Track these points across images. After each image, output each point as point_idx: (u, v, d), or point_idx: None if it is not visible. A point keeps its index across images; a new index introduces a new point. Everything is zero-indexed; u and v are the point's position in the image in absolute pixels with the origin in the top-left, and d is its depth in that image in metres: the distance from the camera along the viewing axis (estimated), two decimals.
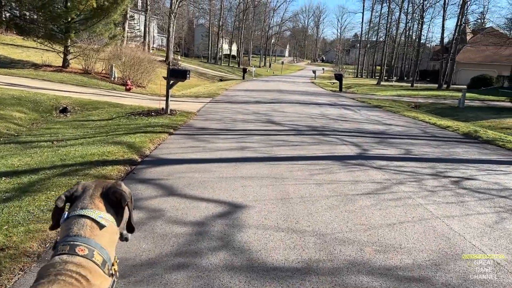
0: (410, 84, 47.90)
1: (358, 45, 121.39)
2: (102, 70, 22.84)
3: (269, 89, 26.33)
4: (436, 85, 45.80)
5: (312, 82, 45.82)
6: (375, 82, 55.45)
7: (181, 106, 13.72)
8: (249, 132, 9.04)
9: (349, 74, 77.65)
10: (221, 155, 6.62)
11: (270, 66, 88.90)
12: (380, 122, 11.72)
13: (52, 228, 1.30)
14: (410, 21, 63.46)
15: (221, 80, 42.19)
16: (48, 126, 10.32)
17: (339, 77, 28.61)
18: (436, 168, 6.26)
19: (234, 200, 4.42)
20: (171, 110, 11.76)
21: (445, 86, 42.90)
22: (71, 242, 1.15)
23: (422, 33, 71.13)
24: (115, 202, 1.30)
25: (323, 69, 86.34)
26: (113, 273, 1.22)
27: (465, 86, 43.33)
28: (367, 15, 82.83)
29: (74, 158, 6.07)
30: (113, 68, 22.05)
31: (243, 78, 42.32)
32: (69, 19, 21.26)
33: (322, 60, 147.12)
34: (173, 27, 44.80)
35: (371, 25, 72.37)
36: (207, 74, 47.09)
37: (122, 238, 1.37)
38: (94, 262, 1.14)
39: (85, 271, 1.09)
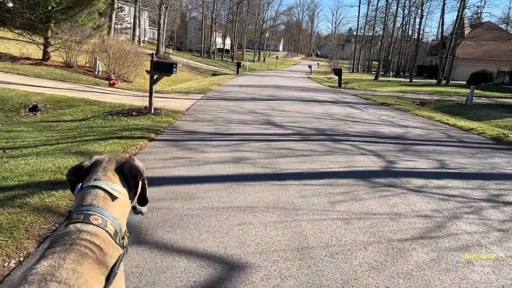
0: (408, 80, 46.62)
1: (353, 39, 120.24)
2: (86, 63, 21.22)
3: (265, 85, 24.85)
4: (434, 81, 44.65)
5: (309, 77, 44.41)
6: (372, 77, 54.18)
7: (168, 103, 12.23)
8: (246, 137, 7.58)
9: (344, 69, 76.25)
10: (211, 170, 5.17)
11: (264, 61, 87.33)
12: (394, 123, 10.32)
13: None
14: (407, 15, 62.12)
15: (214, 75, 40.60)
16: (10, 128, 8.79)
17: (338, 73, 27.22)
18: (488, 189, 4.86)
19: (229, 252, 2.98)
20: (155, 109, 10.27)
21: (444, 81, 41.69)
22: (85, 211, 1.18)
23: (417, 27, 70.02)
24: (127, 176, 1.33)
25: (318, 64, 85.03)
26: (124, 245, 1.24)
27: (465, 82, 42.24)
28: (363, 8, 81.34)
29: (20, 176, 4.59)
30: (97, 61, 20.45)
31: (237, 72, 40.78)
32: (50, 8, 19.60)
33: (317, 55, 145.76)
34: (164, 19, 43.05)
35: (368, 19, 71.02)
36: (200, 69, 45.46)
37: (137, 211, 1.42)
38: (107, 231, 1.16)
39: (99, 240, 1.12)
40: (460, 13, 40.37)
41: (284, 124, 9.29)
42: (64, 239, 1.09)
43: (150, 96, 9.73)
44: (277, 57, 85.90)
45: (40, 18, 19.69)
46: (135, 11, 39.58)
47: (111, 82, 17.13)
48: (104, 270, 1.08)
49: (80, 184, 1.28)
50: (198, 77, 36.53)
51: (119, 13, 45.24)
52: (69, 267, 1.00)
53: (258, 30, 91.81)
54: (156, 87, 21.42)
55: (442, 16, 42.17)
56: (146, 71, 9.98)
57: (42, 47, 20.60)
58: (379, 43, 74.53)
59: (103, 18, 21.28)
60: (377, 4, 65.92)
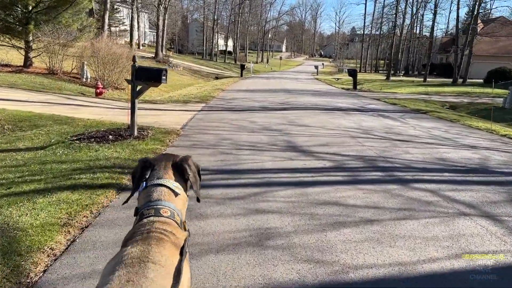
0: (422, 79, 44.01)
1: (357, 38, 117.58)
2: (72, 69, 18.85)
3: (273, 89, 22.38)
4: (449, 79, 42.10)
5: (316, 79, 41.92)
6: (382, 77, 51.67)
7: (160, 118, 9.82)
8: (266, 177, 5.12)
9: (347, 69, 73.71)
10: (214, 274, 2.72)
11: (267, 62, 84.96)
12: (456, 143, 7.83)
13: (127, 201, 1.58)
14: (417, 11, 59.49)
15: (217, 78, 38.20)
16: None
17: (353, 73, 24.71)
18: None
19: None
20: (141, 129, 7.85)
21: (460, 80, 39.11)
22: (155, 206, 1.36)
23: (426, 24, 67.37)
24: (183, 173, 1.50)
25: (322, 64, 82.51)
26: (187, 229, 1.44)
27: (481, 80, 39.72)
28: (370, 6, 78.61)
29: None
30: (85, 66, 18.08)
31: (241, 75, 38.34)
32: (30, 8, 17.26)
33: (320, 55, 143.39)
34: (163, 21, 40.73)
35: (375, 16, 68.45)
36: (202, 72, 43.07)
37: (198, 200, 1.59)
38: (175, 221, 1.36)
39: (171, 228, 1.31)
40: (477, 7, 37.79)
41: (313, 149, 6.82)
42: (141, 230, 1.26)
43: (132, 114, 7.30)
44: (280, 58, 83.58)
45: (19, 19, 17.37)
46: (132, 12, 37.27)
47: (98, 91, 14.73)
48: (179, 250, 1.27)
49: (144, 183, 1.44)
50: (200, 81, 34.12)
51: (115, 15, 42.99)
52: (156, 250, 1.18)
53: (260, 31, 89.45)
54: (152, 94, 18.93)
55: (457, 11, 39.47)
56: (126, 80, 7.56)
57: (23, 52, 18.28)
58: (389, 41, 71.99)
59: (91, 18, 18.97)
60: (384, 1, 63.37)
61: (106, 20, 25.91)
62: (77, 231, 3.47)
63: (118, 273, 1.07)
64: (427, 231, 3.53)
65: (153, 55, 37.73)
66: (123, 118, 9.45)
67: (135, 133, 7.29)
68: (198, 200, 1.59)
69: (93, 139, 7.00)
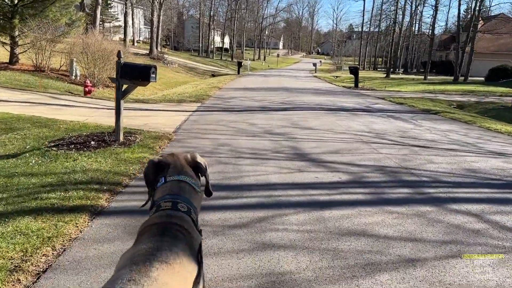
0: (422, 77, 43.30)
1: (354, 36, 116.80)
2: (61, 66, 17.92)
3: (272, 87, 21.53)
4: (450, 77, 41.44)
5: (315, 76, 41.14)
6: (381, 74, 50.98)
7: (151, 120, 8.98)
8: (272, 195, 4.29)
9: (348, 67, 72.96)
10: None
11: (264, 59, 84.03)
12: (480, 149, 7.02)
13: (144, 204, 1.48)
14: (416, 8, 58.72)
15: (213, 76, 37.31)
16: None
17: (354, 71, 23.89)
18: None
19: None
20: (128, 133, 7.02)
21: (461, 78, 38.41)
22: (173, 200, 1.32)
23: (425, 21, 66.61)
24: (197, 171, 1.51)
25: (320, 61, 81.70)
26: (200, 230, 1.38)
27: (482, 78, 39.09)
28: (368, 2, 77.68)
29: None
30: (74, 63, 17.16)
31: (238, 73, 37.46)
32: (15, 1, 16.34)
33: (318, 53, 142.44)
34: (158, 17, 39.76)
35: (374, 12, 67.69)
36: (198, 69, 42.15)
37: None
38: (192, 218, 1.31)
39: (187, 225, 1.25)
40: (479, 3, 37.06)
41: (323, 157, 5.99)
42: (157, 224, 1.22)
43: (117, 117, 6.45)
44: (278, 56, 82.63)
45: (3, 13, 16.42)
46: (125, 8, 36.27)
47: (86, 89, 13.84)
48: (193, 251, 1.21)
49: (163, 178, 1.41)
50: (196, 78, 33.22)
51: (109, 10, 41.99)
52: (167, 248, 1.12)
53: (257, 28, 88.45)
54: (145, 92, 18.02)
55: (458, 7, 38.74)
56: (110, 78, 6.73)
57: (9, 48, 17.34)
58: (387, 38, 71.24)
59: (81, 13, 18.04)
60: None
61: (98, 15, 24.97)
62: (30, 279, 2.63)
63: (122, 271, 1.04)
64: (487, 278, 2.71)
65: (148, 52, 36.77)
66: (110, 120, 8.58)
67: (121, 138, 6.44)
68: (210, 194, 1.57)
69: (73, 146, 6.15)
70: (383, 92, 20.96)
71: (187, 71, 37.39)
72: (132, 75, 6.17)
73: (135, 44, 54.47)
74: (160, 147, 6.36)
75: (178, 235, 1.20)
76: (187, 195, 1.37)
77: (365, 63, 73.41)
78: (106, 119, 8.56)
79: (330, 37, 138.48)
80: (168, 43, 78.10)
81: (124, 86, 6.34)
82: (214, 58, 67.11)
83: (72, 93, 14.26)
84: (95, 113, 9.64)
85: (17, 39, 16.92)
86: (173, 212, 1.28)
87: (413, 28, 63.92)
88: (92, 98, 12.99)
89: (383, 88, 24.81)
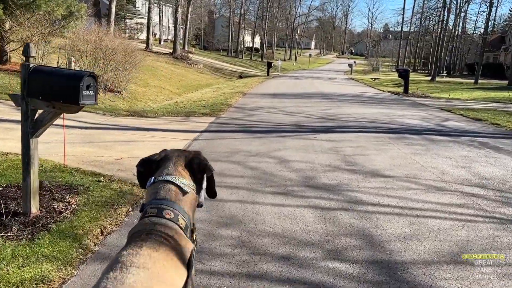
0: (470, 80, 38.82)
1: (390, 36, 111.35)
2: (60, 65, 15.23)
3: (305, 93, 18.22)
4: (501, 81, 36.87)
5: (352, 78, 37.44)
6: (424, 77, 46.66)
7: (131, 150, 5.99)
8: None
9: (384, 68, 68.50)
10: None
11: (296, 60, 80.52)
12: None
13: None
14: (461, 7, 53.73)
15: (240, 77, 34.30)
16: None
17: (404, 75, 20.27)
18: None
19: None
20: (67, 188, 3.95)
21: None
22: (159, 205, 1.21)
23: (471, 19, 61.18)
24: (195, 171, 1.35)
25: (354, 62, 77.60)
26: (194, 238, 1.28)
27: None
28: (409, 0, 72.76)
29: None
30: (72, 63, 14.41)
31: (268, 74, 34.28)
32: None
33: (351, 53, 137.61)
34: (184, 14, 37.16)
35: (415, 10, 63.01)
36: (225, 70, 39.24)
37: (198, 204, 1.40)
38: (178, 225, 1.20)
39: (172, 232, 1.16)
40: None
41: (440, 279, 2.72)
42: (140, 231, 1.15)
43: (26, 170, 3.35)
44: (310, 56, 78.98)
45: None
46: (149, 3, 33.71)
47: None
48: (179, 257, 1.13)
49: (153, 178, 1.30)
50: (221, 80, 30.27)
51: (132, 6, 39.74)
52: (145, 253, 1.05)
53: (289, 27, 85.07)
54: (158, 97, 15.20)
55: None
56: (10, 96, 3.68)
57: None
58: (427, 37, 66.30)
59: (82, 3, 15.44)
60: None
61: (113, 9, 22.40)
62: None
63: (100, 279, 1.00)
64: None
65: (171, 51, 34.17)
66: (73, 151, 5.61)
67: (33, 208, 3.36)
68: (198, 205, 1.39)
69: None
70: (441, 101, 17.28)
71: (213, 72, 34.52)
72: (48, 92, 3.11)
73: (162, 43, 52.15)
74: (103, 233, 3.27)
75: (161, 241, 1.11)
76: (174, 198, 1.25)
77: (404, 64, 68.63)
78: (70, 148, 5.53)
79: (364, 37, 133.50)
80: (198, 43, 75.95)
81: (39, 112, 3.28)
82: (244, 58, 64.19)
83: None
84: (54, 137, 6.66)
85: (8, 35, 14.39)
86: (157, 219, 1.18)
87: (458, 28, 58.92)
88: (83, 110, 10.09)
89: (438, 95, 21.02)
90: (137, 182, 4.59)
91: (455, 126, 9.74)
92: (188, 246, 1.19)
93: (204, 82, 26.62)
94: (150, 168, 1.35)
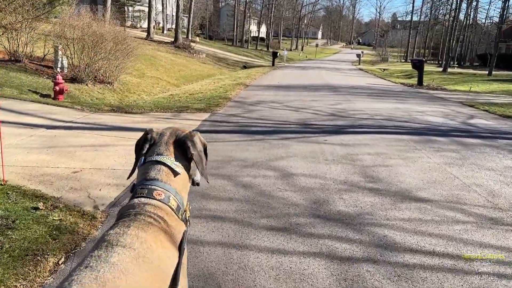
0: (485, 72, 37.19)
1: (398, 25, 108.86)
2: (45, 55, 14.07)
3: (312, 84, 16.93)
4: None
5: (360, 69, 35.99)
6: (434, 68, 45.02)
7: (100, 157, 4.82)
8: None
9: (393, 58, 66.71)
10: None
11: (302, 49, 78.80)
12: None
13: (130, 175, 1.37)
14: None
15: (244, 67, 32.96)
16: None
17: (419, 65, 18.90)
18: None
19: None
20: None
21: None
22: (149, 186, 1.19)
23: (482, 7, 58.91)
24: (186, 151, 1.31)
25: (362, 52, 76.01)
26: (187, 219, 1.27)
27: None
28: None
29: None
30: (59, 52, 13.25)
31: (273, 64, 32.93)
32: None
33: (358, 43, 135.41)
34: (188, 0, 35.70)
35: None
36: (229, 60, 37.88)
37: (194, 183, 1.40)
38: (169, 206, 1.18)
39: (162, 213, 1.13)
40: None
41: None
42: (129, 211, 1.12)
43: None
44: (317, 46, 77.26)
45: None
46: None
47: (57, 88, 9.86)
48: (169, 238, 1.09)
49: (143, 158, 1.28)
50: (224, 71, 28.97)
51: None
52: (132, 233, 1.02)
53: (296, 16, 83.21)
54: (154, 88, 13.94)
55: None
56: None
57: None
58: (437, 27, 64.28)
59: None
60: None
61: None
62: None
63: (83, 259, 0.96)
64: None
65: (173, 40, 32.84)
66: (24, 159, 4.46)
67: None
68: (193, 183, 1.40)
69: None
70: (458, 94, 15.94)
71: (216, 62, 33.19)
72: None
73: (165, 32, 50.70)
74: None
75: (150, 222, 1.08)
76: (165, 179, 1.21)
77: (414, 55, 66.73)
78: (22, 156, 4.35)
79: (372, 27, 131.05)
80: (203, 32, 74.41)
81: None
82: (249, 48, 62.65)
83: (40, 93, 10.35)
84: (15, 139, 5.47)
85: None
86: (147, 200, 1.15)
87: (469, 17, 56.93)
88: (61, 104, 8.94)
89: (454, 88, 19.64)
90: (89, 209, 3.20)
91: (484, 125, 8.46)
92: (180, 228, 1.17)
93: (206, 72, 25.34)
94: (143, 147, 1.30)
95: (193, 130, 1.37)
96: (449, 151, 5.88)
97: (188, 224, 1.27)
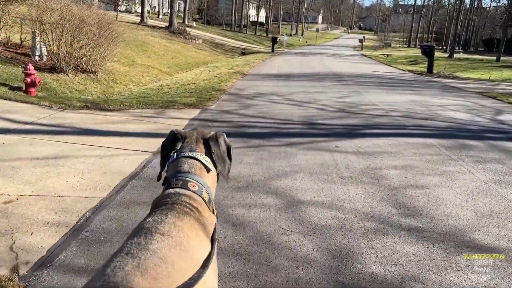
0: (492, 58, 35.89)
1: (400, 9, 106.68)
2: (23, 41, 12.80)
3: (316, 73, 15.70)
4: None
5: (363, 55, 34.65)
6: (439, 54, 43.61)
7: (50, 176, 3.59)
8: None
9: (396, 43, 65.13)
10: None
11: (302, 35, 77.01)
12: None
13: (159, 177, 1.33)
14: None
15: (243, 54, 31.58)
16: None
17: (429, 51, 17.59)
18: None
19: None
20: None
21: None
22: (184, 178, 1.21)
23: None
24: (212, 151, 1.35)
25: (363, 37, 74.40)
26: (215, 214, 1.28)
27: None
28: None
29: None
30: (37, 38, 11.99)
31: (272, 50, 31.56)
32: None
33: (359, 28, 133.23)
34: None
35: None
36: (226, 46, 36.43)
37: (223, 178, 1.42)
38: (202, 198, 1.20)
39: (197, 204, 1.16)
40: None
41: None
42: (166, 200, 1.14)
43: None
44: (317, 30, 75.55)
45: None
46: None
47: (28, 79, 8.66)
48: (202, 228, 1.12)
49: (175, 154, 1.30)
50: (221, 57, 27.62)
51: None
52: (170, 221, 1.05)
53: (296, 0, 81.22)
54: (144, 77, 12.87)
55: None
56: None
57: None
58: (441, 11, 62.53)
59: None
60: None
61: None
62: None
63: (124, 245, 0.98)
64: None
65: (167, 25, 31.37)
66: None
67: None
68: (226, 182, 1.43)
69: None
70: (473, 82, 14.74)
71: (213, 48, 31.79)
72: None
73: (161, 16, 49.06)
74: None
75: (186, 211, 1.11)
76: (198, 173, 1.25)
77: (417, 40, 65.06)
78: None
79: (373, 11, 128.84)
80: (200, 17, 72.59)
81: None
82: (248, 33, 60.95)
83: (10, 86, 9.16)
84: None
85: None
86: (183, 190, 1.18)
87: (474, 1, 55.25)
88: (23, 100, 7.74)
89: (467, 76, 18.41)
90: (4, 271, 2.49)
91: None
92: (212, 219, 1.20)
93: (202, 59, 24.00)
94: (174, 143, 1.34)
95: (219, 132, 1.39)
96: (492, 162, 4.73)
97: (217, 217, 1.27)
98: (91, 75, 12.16)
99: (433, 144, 5.43)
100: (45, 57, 12.10)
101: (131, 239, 0.98)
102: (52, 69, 11.31)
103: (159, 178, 1.32)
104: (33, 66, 9.09)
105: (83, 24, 11.33)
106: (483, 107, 8.88)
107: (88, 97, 10.21)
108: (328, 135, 5.83)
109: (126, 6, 51.09)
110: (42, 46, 12.06)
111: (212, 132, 1.39)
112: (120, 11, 44.23)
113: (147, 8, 36.78)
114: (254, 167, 4.29)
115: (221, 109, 7.47)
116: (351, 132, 6.01)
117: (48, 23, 11.36)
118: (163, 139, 1.37)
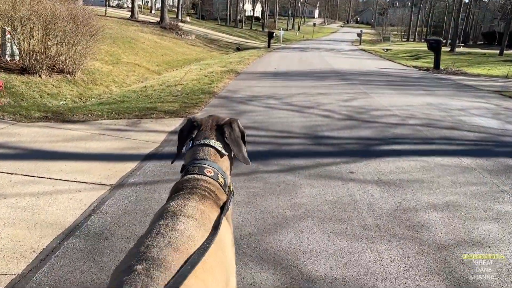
0: (495, 52, 34.85)
1: (397, 3, 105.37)
2: None
3: (316, 71, 14.53)
4: None
5: (362, 50, 33.51)
6: (442, 48, 42.37)
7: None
8: None
9: (395, 37, 63.94)
10: None
11: (299, 29, 75.72)
12: None
13: (173, 160, 1.48)
14: None
15: (238, 50, 30.36)
16: None
17: (436, 46, 16.46)
18: None
19: None
20: None
21: None
22: (200, 165, 1.32)
23: None
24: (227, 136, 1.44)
25: (361, 31, 73.17)
26: (231, 190, 1.39)
27: None
28: None
29: None
30: (6, 36, 10.77)
31: (269, 46, 30.34)
32: None
33: (356, 22, 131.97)
34: None
35: None
36: (220, 41, 35.14)
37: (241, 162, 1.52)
38: (218, 182, 1.31)
39: (214, 188, 1.27)
40: None
41: None
42: (186, 185, 1.24)
43: None
44: (314, 25, 74.40)
45: None
46: None
47: None
48: (220, 210, 1.23)
49: (191, 142, 1.41)
50: (214, 54, 26.37)
51: None
52: (193, 205, 1.15)
53: None
54: (130, 77, 11.77)
55: None
56: None
57: None
58: (439, 5, 61.35)
59: None
60: None
61: None
62: None
63: (151, 226, 1.06)
64: None
65: (159, 20, 30.07)
66: None
67: None
68: (248, 164, 1.48)
69: None
70: (485, 79, 13.63)
71: (206, 44, 30.51)
72: None
73: (153, 11, 47.74)
74: None
75: (205, 196, 1.20)
76: (213, 159, 1.35)
77: (416, 34, 63.88)
78: None
79: (370, 5, 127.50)
80: (195, 12, 71.21)
81: None
82: (243, 28, 59.61)
83: None
84: None
85: None
86: (200, 176, 1.28)
87: None
88: None
89: (476, 72, 17.29)
90: None
91: None
92: (225, 199, 1.28)
93: (194, 56, 22.77)
94: (191, 130, 1.43)
95: (233, 118, 1.46)
96: None
97: (232, 194, 1.36)
98: (68, 75, 10.97)
99: (471, 166, 4.29)
100: (17, 57, 10.90)
101: (158, 221, 1.06)
102: (23, 70, 10.16)
103: (173, 162, 1.48)
104: (2, 66, 7.92)
105: (56, 19, 10.13)
106: (506, 110, 7.76)
107: (61, 102, 9.04)
108: (338, 153, 4.69)
109: (118, 1, 49.67)
110: (11, 44, 10.85)
111: (227, 118, 1.47)
112: (112, 6, 42.90)
113: (138, 2, 35.47)
114: (244, 210, 3.14)
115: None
116: (366, 150, 4.87)
117: (18, 18, 10.17)
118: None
